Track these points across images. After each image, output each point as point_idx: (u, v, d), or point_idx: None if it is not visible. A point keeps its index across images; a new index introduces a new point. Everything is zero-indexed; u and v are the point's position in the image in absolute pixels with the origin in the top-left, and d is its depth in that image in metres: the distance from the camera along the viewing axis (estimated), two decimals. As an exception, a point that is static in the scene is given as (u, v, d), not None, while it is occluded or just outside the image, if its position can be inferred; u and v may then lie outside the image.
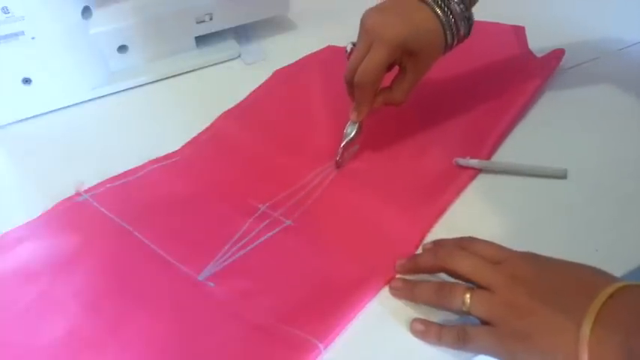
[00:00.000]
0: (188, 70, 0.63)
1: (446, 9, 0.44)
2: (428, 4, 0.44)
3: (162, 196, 0.48)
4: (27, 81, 0.55)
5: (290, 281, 0.40)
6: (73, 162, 0.52)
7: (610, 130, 0.52)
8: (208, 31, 0.64)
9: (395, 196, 0.46)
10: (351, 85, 0.46)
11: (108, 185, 0.49)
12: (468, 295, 0.35)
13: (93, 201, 0.47)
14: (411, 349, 0.36)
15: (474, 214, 0.45)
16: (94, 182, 0.49)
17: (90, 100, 0.59)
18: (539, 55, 0.60)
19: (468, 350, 0.35)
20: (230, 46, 0.66)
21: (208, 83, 0.62)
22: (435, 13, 0.44)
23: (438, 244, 0.41)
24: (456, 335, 0.35)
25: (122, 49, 0.61)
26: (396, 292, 0.39)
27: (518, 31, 0.63)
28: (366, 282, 0.40)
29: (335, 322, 0.37)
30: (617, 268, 0.37)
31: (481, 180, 0.48)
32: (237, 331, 0.37)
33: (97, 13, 0.57)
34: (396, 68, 0.47)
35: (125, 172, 0.50)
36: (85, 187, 0.48)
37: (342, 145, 0.48)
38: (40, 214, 0.46)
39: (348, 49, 0.48)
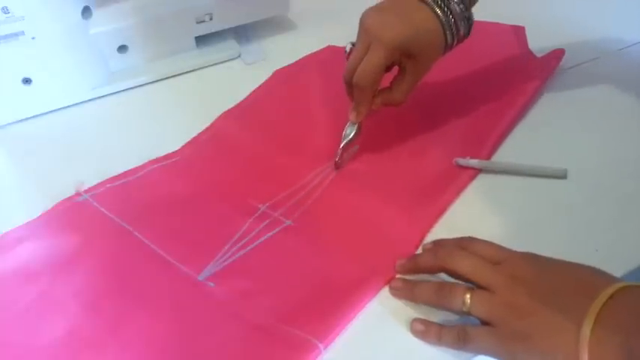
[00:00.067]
0: (188, 70, 0.63)
1: (446, 9, 0.44)
2: (428, 4, 0.44)
3: (162, 196, 0.48)
4: (27, 81, 0.55)
5: (290, 281, 0.40)
6: (73, 162, 0.52)
7: (610, 130, 0.52)
8: (208, 31, 0.64)
9: (395, 196, 0.46)
10: (350, 85, 0.46)
11: (108, 185, 0.49)
12: (468, 296, 0.35)
13: (93, 201, 0.47)
14: (411, 349, 0.36)
15: (474, 214, 0.45)
16: (94, 182, 0.49)
17: (90, 100, 0.59)
18: (539, 55, 0.60)
19: (468, 350, 0.35)
20: (230, 46, 0.66)
21: (208, 83, 0.62)
22: (435, 13, 0.44)
23: (438, 244, 0.41)
24: (456, 335, 0.35)
25: (122, 49, 0.61)
26: (396, 292, 0.39)
27: (518, 31, 0.63)
28: (366, 282, 0.40)
29: (335, 322, 0.37)
30: (617, 268, 0.37)
31: (481, 180, 0.48)
32: (237, 331, 0.37)
33: (97, 13, 0.57)
34: (396, 68, 0.47)
35: (125, 172, 0.50)
36: (85, 187, 0.48)
37: (341, 146, 0.48)
38: (40, 214, 0.46)
39: (348, 49, 0.48)
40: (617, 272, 0.35)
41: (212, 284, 0.40)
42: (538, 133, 0.52)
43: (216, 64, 0.64)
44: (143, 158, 0.51)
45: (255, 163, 0.51)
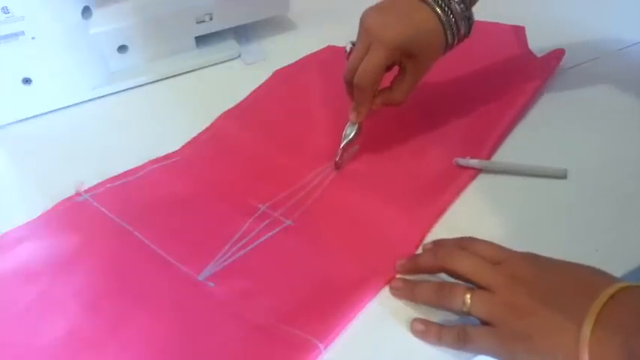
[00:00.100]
0: (188, 70, 0.63)
1: (446, 8, 0.44)
2: (428, 4, 0.44)
3: (162, 196, 0.48)
4: (27, 81, 0.55)
5: (290, 281, 0.40)
6: (73, 162, 0.52)
7: (610, 130, 0.52)
8: (208, 31, 0.64)
9: (395, 196, 0.46)
10: (350, 85, 0.46)
11: (108, 185, 0.49)
12: (468, 296, 0.35)
13: (93, 201, 0.47)
14: (411, 349, 0.36)
15: (474, 214, 0.45)
16: (94, 182, 0.49)
17: (90, 100, 0.59)
18: (539, 55, 0.60)
19: (468, 350, 0.35)
20: (230, 46, 0.66)
21: (208, 83, 0.62)
22: (435, 12, 0.44)
23: (438, 244, 0.41)
24: (456, 335, 0.35)
25: (122, 49, 0.61)
26: (396, 292, 0.39)
27: (518, 31, 0.63)
28: (366, 282, 0.40)
29: (335, 322, 0.37)
30: (617, 268, 0.37)
31: (481, 180, 0.48)
32: (237, 331, 0.37)
33: (97, 13, 0.57)
34: (396, 68, 0.47)
35: (125, 172, 0.50)
36: (85, 187, 0.48)
37: (341, 146, 0.48)
38: (40, 214, 0.46)
39: (348, 48, 0.48)
40: (617, 272, 0.35)
41: (212, 284, 0.40)
42: (538, 133, 0.52)
43: (216, 64, 0.64)
44: (143, 158, 0.51)
45: (255, 163, 0.51)
